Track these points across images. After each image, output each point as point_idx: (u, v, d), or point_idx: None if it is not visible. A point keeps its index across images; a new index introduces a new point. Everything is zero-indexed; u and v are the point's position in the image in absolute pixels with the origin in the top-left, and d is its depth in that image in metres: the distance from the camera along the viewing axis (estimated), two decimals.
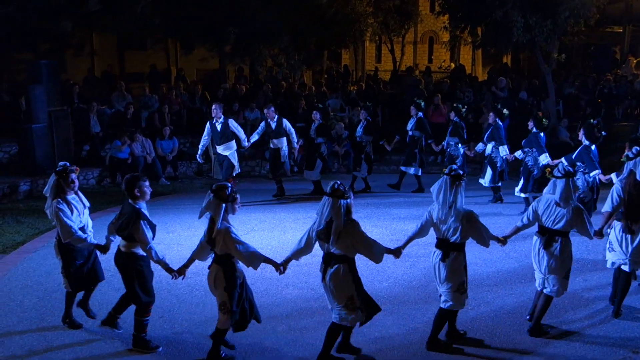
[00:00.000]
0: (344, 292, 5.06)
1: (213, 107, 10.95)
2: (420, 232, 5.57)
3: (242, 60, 18.36)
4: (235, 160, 10.98)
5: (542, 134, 9.93)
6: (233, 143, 10.93)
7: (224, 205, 5.07)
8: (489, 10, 14.62)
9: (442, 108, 15.76)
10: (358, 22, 22.39)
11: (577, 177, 8.08)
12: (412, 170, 11.97)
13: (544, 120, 10.11)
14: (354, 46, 26.58)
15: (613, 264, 6.40)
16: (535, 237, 5.88)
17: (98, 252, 5.92)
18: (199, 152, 11.07)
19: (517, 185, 10.24)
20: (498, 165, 10.74)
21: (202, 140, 10.96)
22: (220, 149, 10.87)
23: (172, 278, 5.39)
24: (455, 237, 5.32)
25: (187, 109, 16.27)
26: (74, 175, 5.73)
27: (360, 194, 11.59)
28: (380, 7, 23.86)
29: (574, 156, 8.80)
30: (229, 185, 5.21)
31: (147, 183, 5.49)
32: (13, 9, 12.60)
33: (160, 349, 5.59)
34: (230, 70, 20.06)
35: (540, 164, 9.75)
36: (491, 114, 11.10)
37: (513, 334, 5.88)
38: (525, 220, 5.90)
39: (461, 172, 5.42)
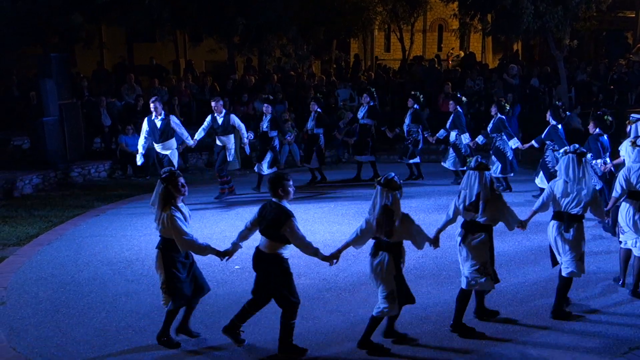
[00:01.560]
0: (479, 259, 5.52)
1: (152, 101, 9.91)
2: (543, 206, 6.02)
3: (251, 51, 18.32)
4: (175, 160, 10.09)
5: (505, 118, 10.71)
6: (173, 141, 10.05)
7: (398, 193, 5.20)
8: None
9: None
10: (367, 10, 22.27)
11: (546, 154, 9.74)
12: (363, 158, 11.96)
13: (505, 104, 10.92)
14: (362, 35, 26.43)
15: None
16: (626, 204, 6.29)
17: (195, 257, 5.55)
18: (141, 151, 9.98)
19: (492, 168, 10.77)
20: (463, 151, 11.22)
21: (142, 138, 9.98)
22: (158, 148, 9.97)
23: (329, 265, 5.37)
24: (577, 209, 5.75)
25: (197, 100, 16.29)
26: (182, 179, 5.39)
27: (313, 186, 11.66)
28: None
29: (543, 136, 9.82)
30: (393, 174, 5.29)
31: (291, 182, 5.26)
32: (23, 3, 12.63)
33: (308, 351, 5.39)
34: (238, 61, 20.03)
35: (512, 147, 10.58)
36: (451, 102, 11.51)
37: None
38: (619, 190, 6.35)
39: (584, 150, 5.96)
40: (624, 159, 7.57)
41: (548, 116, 9.82)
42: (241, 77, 17.96)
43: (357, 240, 5.36)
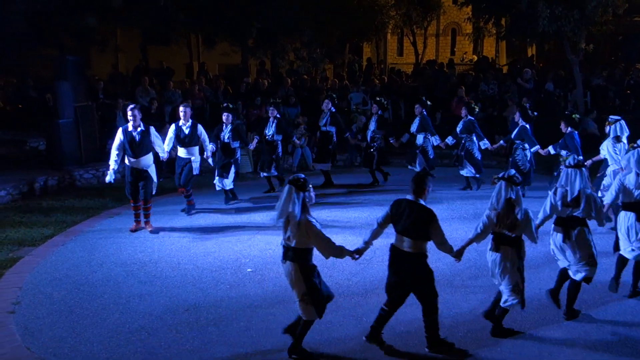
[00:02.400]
0: (585, 250, 5.83)
1: (131, 109, 8.62)
2: (617, 198, 6.50)
3: (264, 55, 18.37)
4: (155, 177, 8.89)
5: (474, 119, 11.23)
6: (151, 156, 8.80)
7: (519, 189, 5.54)
8: (514, 0, 14.40)
9: (466, 100, 15.59)
10: (380, 14, 22.25)
11: (517, 153, 10.55)
12: (324, 167, 11.74)
13: (474, 106, 11.50)
14: (375, 39, 26.42)
15: None
16: None
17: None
18: (114, 167, 8.64)
19: (461, 169, 11.41)
20: (429, 153, 11.63)
21: (114, 152, 8.58)
22: (134, 163, 8.57)
23: (457, 261, 5.57)
24: None
25: (210, 103, 16.36)
26: (311, 187, 5.22)
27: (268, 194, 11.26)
28: None
29: (513, 136, 10.59)
30: (513, 171, 5.53)
31: (430, 183, 5.37)
32: (39, 5, 12.75)
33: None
34: (252, 65, 20.08)
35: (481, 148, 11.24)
36: (417, 105, 11.83)
37: None
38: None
39: None
40: (604, 157, 8.81)
41: (517, 117, 10.59)
42: (254, 80, 18.01)
43: (480, 236, 5.56)
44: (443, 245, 5.27)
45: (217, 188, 10.49)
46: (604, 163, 8.93)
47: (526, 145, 10.46)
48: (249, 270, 7.32)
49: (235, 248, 8.17)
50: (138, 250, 8.13)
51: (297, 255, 5.09)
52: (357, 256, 5.37)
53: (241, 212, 10.19)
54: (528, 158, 10.55)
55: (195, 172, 9.68)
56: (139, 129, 8.57)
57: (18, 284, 6.97)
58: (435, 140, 11.61)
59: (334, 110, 11.73)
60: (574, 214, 5.84)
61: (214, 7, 15.71)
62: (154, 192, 9.05)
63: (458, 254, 5.44)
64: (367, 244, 5.42)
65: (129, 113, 8.55)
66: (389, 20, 23.91)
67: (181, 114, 9.50)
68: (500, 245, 5.47)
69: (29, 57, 16.64)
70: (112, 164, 8.62)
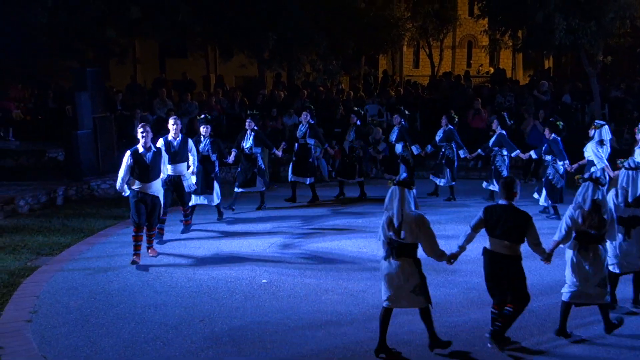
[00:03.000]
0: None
1: (142, 125, 7.92)
2: None
3: (280, 67, 18.48)
4: (162, 200, 8.23)
5: (454, 128, 11.57)
6: (159, 181, 8.08)
7: (605, 190, 5.75)
8: (530, 13, 14.34)
9: (483, 113, 15.52)
10: (396, 26, 22.31)
11: (496, 159, 10.99)
12: (307, 181, 11.44)
13: (454, 116, 11.83)
14: (391, 51, 26.49)
15: None
16: None
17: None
18: (120, 186, 7.98)
19: (439, 180, 11.69)
20: (410, 162, 11.85)
21: (122, 174, 7.87)
22: (143, 188, 7.85)
23: (548, 264, 5.71)
24: None
25: (227, 115, 16.46)
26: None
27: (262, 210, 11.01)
28: (418, 11, 23.76)
29: (490, 143, 11.06)
30: (599, 173, 5.94)
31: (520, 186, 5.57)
32: (59, 17, 12.97)
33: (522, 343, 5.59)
34: (268, 76, 20.22)
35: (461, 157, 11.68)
36: (396, 115, 12.06)
37: None
38: None
39: None
40: (587, 160, 9.46)
41: (495, 125, 11.09)
42: (270, 92, 18.11)
43: (566, 238, 5.68)
44: (538, 246, 5.45)
45: (212, 204, 9.99)
46: (588, 164, 9.52)
47: (504, 152, 10.89)
48: (263, 281, 7.32)
49: (250, 259, 8.17)
50: (154, 260, 8.17)
51: (409, 251, 5.35)
52: (452, 260, 5.60)
53: (255, 223, 10.20)
54: (506, 164, 11.00)
55: (189, 189, 9.10)
56: (151, 150, 7.88)
57: (35, 293, 7.03)
58: (415, 149, 11.75)
59: (312, 122, 11.39)
60: (636, 213, 6.02)
61: (230, 19, 15.86)
62: (165, 213, 8.52)
63: (548, 257, 5.59)
64: (462, 248, 5.65)
65: (141, 130, 7.81)
66: (405, 33, 23.98)
67: (171, 128, 8.77)
68: (588, 244, 5.60)
69: (49, 68, 16.94)
70: (124, 186, 7.94)
